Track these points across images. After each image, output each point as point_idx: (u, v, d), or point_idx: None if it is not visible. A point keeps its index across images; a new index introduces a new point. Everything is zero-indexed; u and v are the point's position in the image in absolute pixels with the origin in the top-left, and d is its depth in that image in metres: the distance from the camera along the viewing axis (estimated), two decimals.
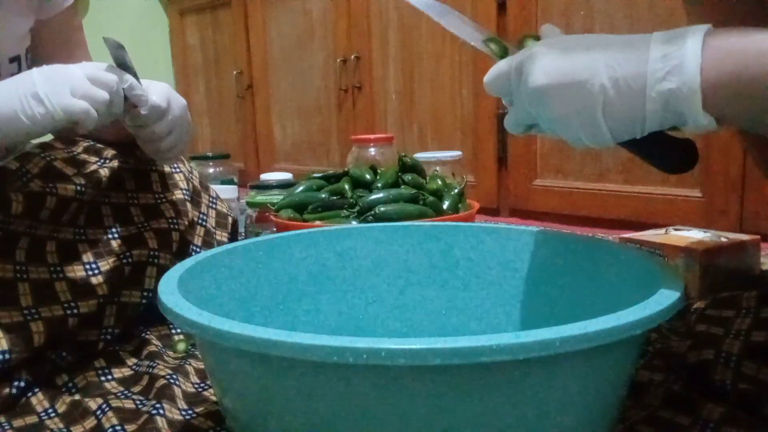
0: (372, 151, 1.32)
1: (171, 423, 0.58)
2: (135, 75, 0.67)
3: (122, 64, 0.66)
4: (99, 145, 0.80)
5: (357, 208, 0.95)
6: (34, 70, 0.62)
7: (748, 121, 0.44)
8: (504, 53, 0.54)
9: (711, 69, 0.40)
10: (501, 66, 0.51)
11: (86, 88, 0.62)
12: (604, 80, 0.43)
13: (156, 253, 0.77)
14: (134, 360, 0.73)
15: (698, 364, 0.58)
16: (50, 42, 0.84)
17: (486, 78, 0.52)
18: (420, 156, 1.23)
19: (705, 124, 0.42)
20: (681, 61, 0.41)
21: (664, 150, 0.47)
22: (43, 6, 0.81)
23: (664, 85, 0.41)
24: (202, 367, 0.70)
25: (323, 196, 1.00)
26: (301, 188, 1.05)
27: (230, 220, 0.93)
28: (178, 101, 0.72)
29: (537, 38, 0.51)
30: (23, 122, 0.60)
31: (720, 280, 0.83)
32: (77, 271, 0.70)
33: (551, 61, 0.46)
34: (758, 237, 0.88)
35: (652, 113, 0.43)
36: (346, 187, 1.01)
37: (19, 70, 0.78)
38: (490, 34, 0.56)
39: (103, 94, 0.63)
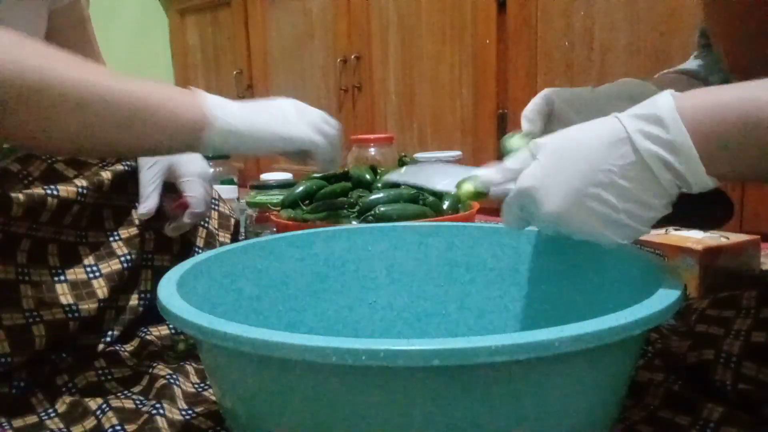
0: (372, 151, 1.32)
1: (171, 423, 0.58)
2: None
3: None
4: None
5: (357, 208, 0.94)
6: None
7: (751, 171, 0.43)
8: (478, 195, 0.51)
9: (695, 128, 0.39)
10: (509, 204, 0.49)
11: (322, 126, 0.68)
12: (610, 196, 0.42)
13: (150, 256, 0.77)
14: (134, 360, 0.73)
15: (698, 364, 0.58)
16: (62, 33, 0.84)
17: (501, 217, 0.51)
18: (420, 156, 1.23)
19: (707, 182, 0.41)
20: (672, 138, 0.40)
21: (696, 208, 0.45)
22: None
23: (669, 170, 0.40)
24: (202, 367, 0.70)
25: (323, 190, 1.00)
26: (301, 188, 1.05)
27: (233, 221, 0.93)
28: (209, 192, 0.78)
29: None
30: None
31: (720, 280, 0.83)
32: (78, 274, 0.70)
33: (552, 197, 0.44)
34: (758, 237, 0.88)
35: (670, 187, 0.42)
36: (346, 187, 1.01)
37: None
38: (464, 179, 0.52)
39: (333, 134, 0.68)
